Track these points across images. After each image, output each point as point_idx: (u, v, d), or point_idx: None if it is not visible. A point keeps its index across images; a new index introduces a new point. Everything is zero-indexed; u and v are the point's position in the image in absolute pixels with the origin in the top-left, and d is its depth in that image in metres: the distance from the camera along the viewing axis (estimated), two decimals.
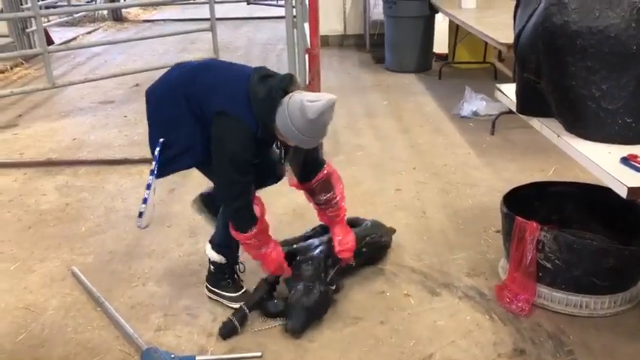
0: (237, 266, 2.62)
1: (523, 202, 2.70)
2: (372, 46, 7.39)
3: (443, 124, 4.70)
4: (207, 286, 2.61)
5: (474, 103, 4.86)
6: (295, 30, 3.67)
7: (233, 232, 2.36)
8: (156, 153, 2.42)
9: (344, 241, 2.55)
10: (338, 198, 2.55)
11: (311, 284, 2.41)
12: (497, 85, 2.88)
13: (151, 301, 2.62)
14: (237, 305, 2.47)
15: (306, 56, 3.79)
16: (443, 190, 3.55)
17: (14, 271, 2.87)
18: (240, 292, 2.56)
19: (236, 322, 2.36)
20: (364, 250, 2.69)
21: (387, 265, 2.79)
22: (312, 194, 2.56)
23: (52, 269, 2.87)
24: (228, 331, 2.35)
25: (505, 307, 2.44)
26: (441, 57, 6.55)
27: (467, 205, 3.36)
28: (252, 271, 2.66)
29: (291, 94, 2.17)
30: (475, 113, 4.80)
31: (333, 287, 2.50)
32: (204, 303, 2.58)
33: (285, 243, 2.72)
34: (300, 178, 2.53)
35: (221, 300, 2.57)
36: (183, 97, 2.31)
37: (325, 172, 2.52)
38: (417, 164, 3.92)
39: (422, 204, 3.38)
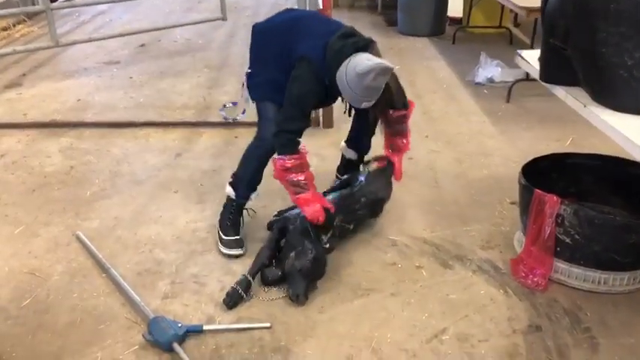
0: (247, 211, 2.76)
1: (540, 173, 2.61)
2: (383, 8, 7.19)
3: (457, 90, 4.57)
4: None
5: (489, 70, 4.72)
6: None
7: (276, 158, 2.45)
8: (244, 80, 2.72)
9: (398, 171, 2.83)
10: (408, 132, 2.86)
11: (301, 247, 2.36)
12: (518, 51, 2.76)
13: (158, 268, 2.57)
14: (226, 250, 2.61)
15: None
16: (456, 159, 3.45)
17: (18, 235, 2.82)
18: (233, 238, 2.63)
19: (241, 291, 2.32)
20: (359, 212, 2.65)
21: (398, 236, 2.72)
22: (387, 123, 2.78)
23: (56, 234, 2.82)
24: (233, 300, 2.30)
25: (520, 281, 2.38)
26: (455, 21, 6.36)
27: (481, 175, 3.27)
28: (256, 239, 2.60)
29: (360, 52, 2.33)
30: (490, 80, 4.67)
31: (327, 246, 2.46)
32: (212, 271, 2.53)
33: (280, 214, 2.68)
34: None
35: (218, 241, 2.66)
36: (279, 42, 2.55)
37: (405, 112, 2.77)
38: (429, 132, 3.82)
39: (434, 173, 3.29)
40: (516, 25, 6.30)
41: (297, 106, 2.47)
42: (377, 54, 2.39)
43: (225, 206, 2.75)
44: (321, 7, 3.61)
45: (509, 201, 2.98)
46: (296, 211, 2.55)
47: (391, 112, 2.70)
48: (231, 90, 4.66)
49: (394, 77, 2.58)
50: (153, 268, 2.56)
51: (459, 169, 3.34)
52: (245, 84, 2.71)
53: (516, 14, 6.36)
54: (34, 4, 6.85)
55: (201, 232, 2.82)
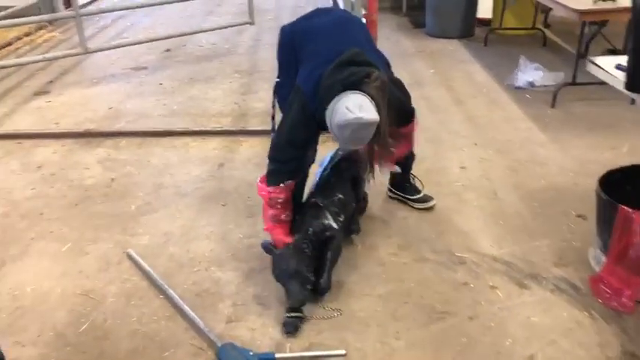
0: None
1: (614, 185, 2.48)
2: (409, 9, 7.07)
3: (497, 95, 4.45)
4: None
5: (530, 73, 4.59)
6: None
7: (260, 186, 2.44)
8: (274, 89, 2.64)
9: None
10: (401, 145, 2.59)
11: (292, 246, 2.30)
12: (590, 57, 2.62)
13: (217, 288, 2.45)
14: None
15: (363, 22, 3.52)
16: (510, 168, 3.33)
17: (66, 252, 2.71)
18: None
19: (296, 314, 2.22)
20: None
21: (465, 253, 2.60)
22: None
23: (105, 251, 2.71)
24: (294, 327, 2.19)
25: (604, 303, 2.25)
26: (484, 22, 6.23)
27: (539, 185, 3.14)
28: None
29: (349, 92, 2.11)
30: (531, 84, 4.54)
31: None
32: (273, 291, 2.41)
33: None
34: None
35: None
36: (295, 52, 2.43)
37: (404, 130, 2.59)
38: (478, 140, 3.69)
39: (491, 184, 3.17)
40: (546, 26, 6.17)
41: (285, 136, 2.35)
42: (376, 90, 2.12)
43: None
44: (368, 11, 3.48)
45: (575, 214, 2.85)
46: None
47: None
48: (265, 96, 4.54)
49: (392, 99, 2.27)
50: (212, 289, 2.45)
51: (515, 178, 3.21)
52: (274, 92, 2.62)
53: (547, 15, 6.24)
54: (54, 10, 6.74)
55: (256, 248, 2.68)
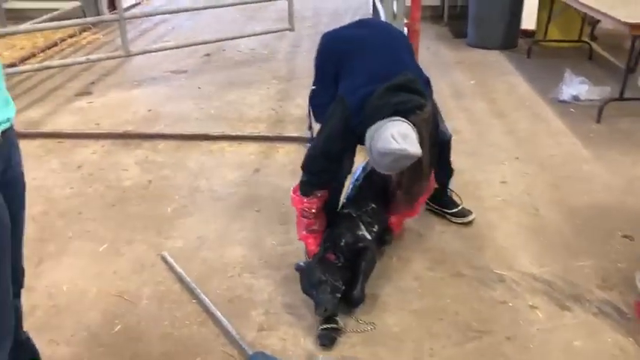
0: None
1: None
2: (449, 18, 6.99)
3: (540, 108, 4.34)
4: None
5: (575, 87, 4.46)
6: (395, 2, 3.36)
7: (293, 197, 2.43)
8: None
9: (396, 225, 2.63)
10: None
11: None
12: None
13: (249, 295, 2.43)
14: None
15: (405, 31, 3.48)
16: (553, 184, 3.23)
17: (102, 253, 2.73)
18: None
19: (331, 326, 2.17)
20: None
21: (505, 271, 2.52)
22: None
23: (140, 253, 2.72)
24: (329, 340, 2.14)
25: None
26: (527, 34, 6.11)
27: (583, 202, 3.04)
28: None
29: (397, 119, 2.06)
30: (575, 98, 4.41)
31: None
32: (307, 301, 2.36)
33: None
34: None
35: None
36: (336, 62, 2.36)
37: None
38: (519, 154, 3.60)
39: (532, 200, 3.08)
40: (593, 38, 6.01)
41: (321, 148, 2.32)
42: (424, 124, 2.09)
43: None
44: (410, 20, 3.44)
45: (620, 234, 2.74)
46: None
47: None
48: (303, 103, 4.53)
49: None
50: (244, 295, 2.43)
51: (558, 195, 3.11)
52: (309, 100, 2.58)
53: (594, 28, 6.08)
54: (99, 13, 6.89)
55: (289, 256, 2.67)
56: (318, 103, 2.49)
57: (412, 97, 2.11)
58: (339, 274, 2.25)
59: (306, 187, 2.39)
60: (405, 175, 2.12)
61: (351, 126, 2.21)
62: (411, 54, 2.49)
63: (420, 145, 2.04)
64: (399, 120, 2.05)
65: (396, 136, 1.99)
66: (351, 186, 2.66)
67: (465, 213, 2.86)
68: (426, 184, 2.30)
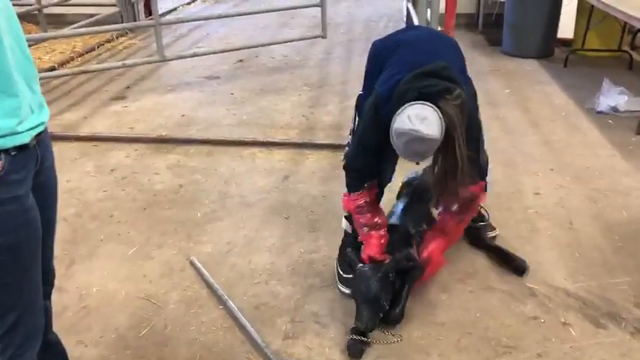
0: None
1: None
2: (484, 26, 6.90)
3: (577, 119, 4.23)
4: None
5: (613, 97, 4.34)
6: (429, 9, 3.33)
7: (344, 200, 2.42)
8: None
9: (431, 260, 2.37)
10: (465, 220, 2.44)
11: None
12: None
13: (276, 302, 2.42)
14: (344, 289, 2.41)
15: None
16: (589, 197, 3.14)
17: (132, 256, 2.76)
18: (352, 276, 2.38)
19: (360, 338, 2.13)
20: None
21: (537, 285, 2.46)
22: (449, 200, 2.36)
23: (170, 257, 2.74)
24: (358, 352, 2.11)
25: None
26: (564, 42, 5.99)
27: (621, 218, 2.94)
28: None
29: (421, 102, 1.98)
30: (614, 109, 4.29)
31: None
32: (334, 310, 2.36)
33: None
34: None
35: (336, 278, 2.51)
36: (380, 65, 2.33)
37: (475, 189, 2.33)
38: (554, 165, 3.52)
39: (567, 213, 2.99)
40: (633, 47, 5.85)
41: (359, 144, 2.33)
42: (454, 109, 1.97)
43: (343, 241, 2.59)
44: (445, 27, 3.40)
45: None
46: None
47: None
48: (334, 110, 4.53)
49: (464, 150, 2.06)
50: (271, 302, 2.42)
51: (594, 209, 3.02)
52: (356, 106, 2.55)
53: (634, 36, 5.92)
54: (136, 19, 7.02)
55: (317, 264, 2.66)
56: (363, 107, 2.43)
57: (441, 82, 2.02)
58: (390, 292, 2.23)
59: (352, 186, 2.37)
60: (439, 168, 2.09)
61: (381, 115, 2.15)
62: (459, 57, 2.40)
63: (450, 132, 1.97)
64: (422, 103, 1.97)
65: (412, 117, 1.93)
66: (403, 199, 2.66)
67: (487, 228, 2.77)
68: (464, 182, 2.13)
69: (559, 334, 2.19)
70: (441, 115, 1.96)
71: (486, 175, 2.53)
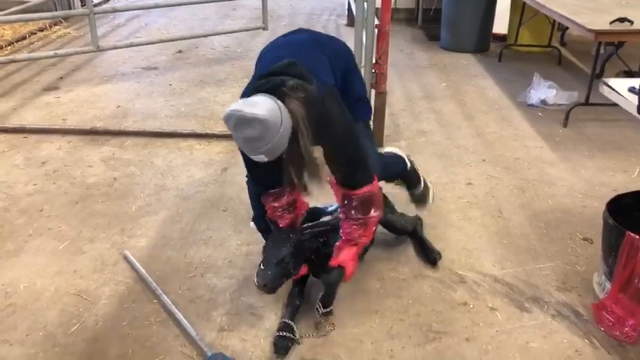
0: None
1: (623, 211, 2.42)
2: (424, 22, 7.03)
3: (509, 111, 4.39)
4: None
5: (543, 91, 4.52)
6: (366, 3, 3.36)
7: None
8: None
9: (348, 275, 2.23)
10: (370, 221, 2.23)
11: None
12: (604, 79, 2.57)
13: (211, 295, 2.41)
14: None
15: (376, 32, 3.49)
16: (518, 187, 3.27)
17: (63, 251, 2.68)
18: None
19: (286, 334, 2.14)
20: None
21: (466, 272, 2.54)
22: (345, 205, 2.20)
23: (102, 251, 2.68)
24: (284, 349, 2.11)
25: (606, 331, 2.19)
26: (499, 38, 6.18)
27: (547, 206, 3.08)
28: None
29: (254, 96, 1.90)
30: (543, 102, 4.47)
31: None
32: (269, 302, 2.37)
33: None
34: (341, 183, 2.19)
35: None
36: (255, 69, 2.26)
37: (367, 189, 2.17)
38: (486, 156, 3.64)
39: (497, 202, 3.11)
40: (563, 44, 6.11)
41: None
42: (296, 103, 1.88)
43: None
44: (380, 22, 3.45)
45: (580, 237, 2.79)
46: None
47: (328, 178, 2.17)
48: None
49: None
50: (206, 296, 2.41)
51: (522, 198, 3.15)
52: None
53: (563, 33, 6.18)
54: (70, 7, 6.77)
55: (254, 256, 2.66)
56: None
57: (274, 78, 1.94)
58: (301, 263, 2.23)
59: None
60: (285, 159, 1.99)
61: None
62: (334, 57, 2.25)
63: (294, 120, 1.88)
64: (257, 94, 1.89)
65: (240, 102, 1.86)
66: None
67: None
68: (317, 171, 2.05)
69: (486, 319, 2.27)
70: (279, 105, 1.87)
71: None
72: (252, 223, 2.58)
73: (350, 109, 2.17)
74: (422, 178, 2.83)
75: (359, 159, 2.17)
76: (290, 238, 2.20)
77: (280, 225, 2.33)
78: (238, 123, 1.83)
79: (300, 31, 2.44)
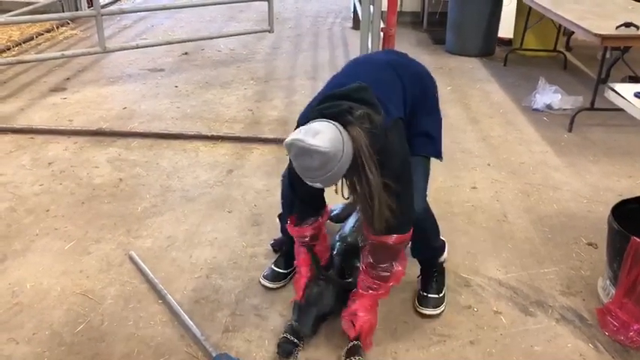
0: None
1: (628, 216, 2.42)
2: (429, 25, 7.04)
3: (514, 116, 4.39)
4: None
5: (548, 96, 4.53)
6: (372, 6, 3.38)
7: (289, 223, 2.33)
8: None
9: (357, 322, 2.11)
10: (391, 275, 2.12)
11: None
12: (610, 84, 2.57)
13: (216, 296, 2.42)
14: (266, 283, 2.47)
15: (381, 36, 3.51)
16: (523, 191, 3.27)
17: (69, 251, 2.70)
18: (276, 269, 2.49)
19: (292, 338, 2.12)
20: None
21: (471, 275, 2.55)
22: (368, 251, 2.13)
23: (108, 252, 2.69)
24: (288, 354, 2.10)
25: (611, 336, 2.19)
26: (504, 42, 6.19)
27: (551, 210, 3.08)
28: None
29: (316, 121, 1.85)
30: (549, 106, 4.47)
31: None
32: (274, 303, 2.38)
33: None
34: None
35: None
36: None
37: (392, 241, 2.04)
38: (491, 160, 3.64)
39: (502, 206, 3.11)
40: (568, 49, 6.11)
41: (286, 172, 2.25)
42: (360, 132, 1.79)
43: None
44: (386, 25, 3.46)
45: (585, 241, 2.79)
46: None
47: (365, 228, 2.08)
48: (280, 104, 4.54)
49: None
50: (211, 297, 2.42)
51: (527, 202, 3.15)
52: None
53: (569, 38, 6.18)
54: (77, 8, 6.81)
55: (259, 257, 2.67)
56: None
57: (342, 102, 1.86)
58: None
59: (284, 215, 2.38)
60: (355, 197, 1.91)
61: None
62: (410, 85, 2.14)
63: (357, 152, 1.80)
64: (322, 120, 1.82)
65: (302, 130, 1.78)
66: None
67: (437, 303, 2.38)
68: (384, 210, 1.91)
69: (490, 323, 2.28)
70: (342, 133, 1.79)
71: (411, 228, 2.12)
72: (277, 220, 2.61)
73: (411, 140, 2.10)
74: (445, 285, 2.43)
75: (404, 199, 2.00)
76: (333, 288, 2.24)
77: (296, 263, 2.35)
78: (299, 153, 1.77)
79: (387, 50, 2.38)
